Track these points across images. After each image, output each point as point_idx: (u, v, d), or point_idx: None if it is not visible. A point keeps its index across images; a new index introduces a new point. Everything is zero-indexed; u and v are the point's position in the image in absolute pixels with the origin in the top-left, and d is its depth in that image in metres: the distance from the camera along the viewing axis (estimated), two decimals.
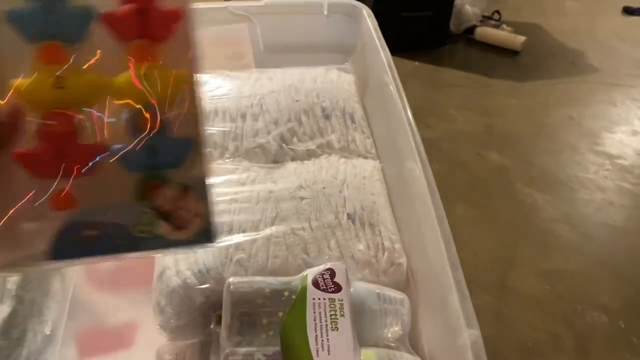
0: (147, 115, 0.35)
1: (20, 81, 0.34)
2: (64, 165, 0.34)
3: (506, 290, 1.23)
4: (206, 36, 0.72)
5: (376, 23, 0.71)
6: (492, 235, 1.36)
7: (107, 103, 0.35)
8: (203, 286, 0.48)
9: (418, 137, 0.56)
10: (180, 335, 0.50)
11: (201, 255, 0.49)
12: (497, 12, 2.06)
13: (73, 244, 0.34)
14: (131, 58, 0.36)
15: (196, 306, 0.48)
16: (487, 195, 1.47)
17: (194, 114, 0.36)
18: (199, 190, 0.36)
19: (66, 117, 0.35)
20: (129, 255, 0.36)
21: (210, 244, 0.37)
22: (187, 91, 0.37)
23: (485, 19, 2.04)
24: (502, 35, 1.98)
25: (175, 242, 0.36)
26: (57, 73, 0.34)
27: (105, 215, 0.36)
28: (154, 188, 0.36)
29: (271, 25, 0.75)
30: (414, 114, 1.73)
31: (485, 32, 1.99)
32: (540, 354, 1.12)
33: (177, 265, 0.49)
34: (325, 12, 0.75)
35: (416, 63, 1.91)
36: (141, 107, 0.35)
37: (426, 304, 0.50)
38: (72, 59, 0.35)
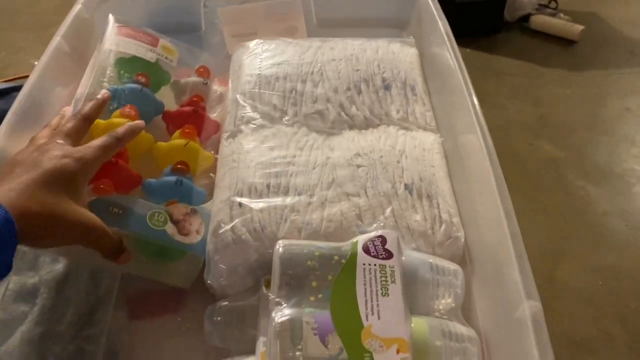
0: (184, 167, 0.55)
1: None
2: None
3: (556, 284, 1.19)
4: (259, 10, 0.73)
5: None
6: (543, 227, 1.32)
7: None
8: (257, 243, 0.48)
9: (479, 110, 0.54)
10: (230, 297, 0.50)
11: (257, 214, 0.49)
12: (554, 0, 1.99)
13: (102, 213, 0.47)
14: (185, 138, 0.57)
15: (249, 264, 0.48)
16: (538, 186, 1.42)
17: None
18: (204, 217, 0.51)
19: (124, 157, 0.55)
20: (137, 233, 0.49)
21: (198, 254, 0.50)
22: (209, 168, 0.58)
23: (542, 7, 1.98)
24: (558, 23, 1.91)
25: (174, 241, 0.49)
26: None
27: (132, 201, 0.50)
28: (173, 202, 0.52)
29: None
30: None
31: (541, 21, 1.92)
32: (590, 350, 1.08)
33: (232, 221, 0.49)
34: None
35: (468, 50, 1.86)
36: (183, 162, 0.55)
37: (482, 277, 0.49)
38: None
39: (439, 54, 0.62)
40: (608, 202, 1.38)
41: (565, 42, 1.90)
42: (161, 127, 0.61)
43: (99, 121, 0.54)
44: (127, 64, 0.63)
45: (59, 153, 0.45)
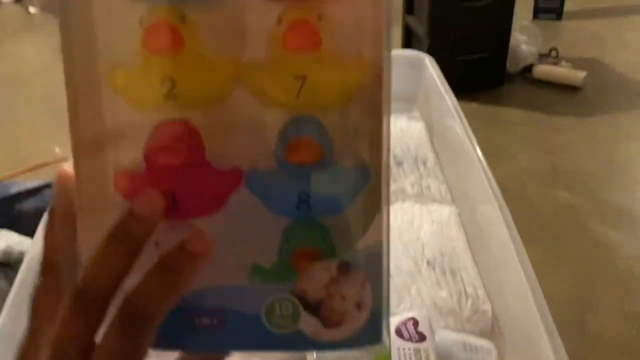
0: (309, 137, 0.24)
1: (117, 73, 0.24)
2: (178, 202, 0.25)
3: (588, 335, 1.17)
4: None
5: (439, 70, 0.73)
6: (567, 276, 1.30)
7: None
8: None
9: (492, 179, 0.56)
10: None
11: None
12: (555, 49, 2.04)
13: (183, 332, 0.25)
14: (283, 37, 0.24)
15: None
16: (558, 235, 1.42)
17: (373, 127, 0.24)
18: (366, 266, 0.25)
19: (182, 129, 0.24)
20: (259, 353, 0.26)
21: (377, 344, 0.26)
22: (367, 90, 0.24)
23: (543, 57, 2.03)
24: (561, 71, 1.96)
25: (324, 343, 0.25)
26: (164, 76, 0.24)
27: (226, 297, 0.25)
28: (301, 258, 0.25)
29: None
30: None
31: (544, 70, 1.97)
32: None
33: None
34: None
35: (475, 105, 1.90)
36: (298, 116, 0.24)
37: (513, 352, 0.49)
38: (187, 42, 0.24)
39: (449, 127, 0.64)
40: (632, 246, 1.36)
41: (569, 89, 1.94)
42: None
43: None
44: None
45: None
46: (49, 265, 0.26)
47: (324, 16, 0.23)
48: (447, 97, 0.67)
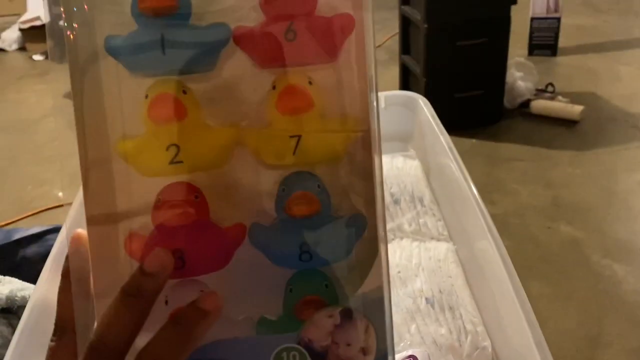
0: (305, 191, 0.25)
1: (125, 143, 0.26)
2: (184, 260, 0.25)
3: None
4: None
5: (432, 110, 0.75)
6: (573, 312, 1.29)
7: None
8: None
9: (487, 215, 0.56)
10: None
11: None
12: (551, 84, 2.08)
13: None
14: (278, 101, 0.26)
15: None
16: (562, 270, 1.41)
17: (366, 178, 0.26)
18: (369, 311, 0.25)
19: (187, 191, 0.25)
20: None
21: None
22: (358, 144, 0.26)
23: (540, 92, 2.06)
24: (558, 106, 1.98)
25: None
26: (169, 144, 0.25)
27: (234, 350, 0.25)
28: (306, 308, 0.25)
29: None
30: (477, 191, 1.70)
31: (541, 105, 2.00)
32: None
33: None
34: (383, 105, 0.79)
35: (474, 141, 1.92)
36: (298, 171, 0.26)
37: None
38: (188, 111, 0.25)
39: (444, 165, 0.65)
40: (636, 279, 1.35)
41: (567, 123, 1.96)
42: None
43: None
44: None
45: None
46: (62, 325, 0.27)
47: (313, 81, 0.26)
48: (441, 136, 0.68)
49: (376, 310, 0.26)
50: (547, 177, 1.74)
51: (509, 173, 1.77)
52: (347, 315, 0.25)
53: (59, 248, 0.57)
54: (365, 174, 0.26)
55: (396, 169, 0.69)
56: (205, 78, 0.26)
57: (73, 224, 0.60)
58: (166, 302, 0.25)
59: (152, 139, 0.26)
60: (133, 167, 0.26)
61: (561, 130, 1.94)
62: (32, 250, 0.87)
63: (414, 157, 0.73)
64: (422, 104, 0.77)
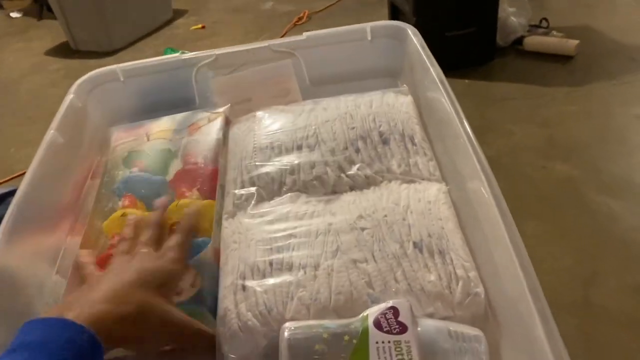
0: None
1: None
2: None
3: (592, 310, 1.14)
4: (251, 77, 0.73)
5: (422, 41, 0.69)
6: (569, 250, 1.27)
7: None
8: (265, 328, 0.45)
9: (481, 154, 0.52)
10: None
11: (261, 296, 0.47)
12: (545, 19, 1.99)
13: None
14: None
15: (259, 350, 0.46)
16: (557, 209, 1.38)
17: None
18: (201, 267, 0.50)
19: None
20: None
21: (201, 307, 0.49)
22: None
23: (533, 28, 1.98)
24: (552, 41, 1.91)
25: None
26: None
27: None
28: None
29: (315, 57, 0.74)
30: None
31: (535, 41, 1.93)
32: None
33: (237, 307, 0.47)
34: (369, 38, 0.73)
35: (467, 81, 1.86)
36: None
37: (507, 338, 0.45)
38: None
39: (435, 100, 0.61)
40: (633, 214, 1.33)
41: (562, 58, 1.90)
42: None
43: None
44: (128, 160, 0.66)
45: (151, 257, 0.48)
46: None
47: None
48: (431, 69, 0.63)
49: (203, 267, 0.52)
50: (541, 116, 1.69)
51: (503, 113, 1.72)
52: (186, 266, 0.51)
53: (14, 209, 0.54)
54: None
55: (386, 106, 0.64)
56: None
57: (32, 179, 0.55)
58: None
59: None
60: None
61: (556, 66, 1.88)
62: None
63: (407, 93, 0.67)
64: (412, 34, 0.71)
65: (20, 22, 3.02)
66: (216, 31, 2.63)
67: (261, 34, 2.42)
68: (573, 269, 1.23)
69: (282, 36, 2.33)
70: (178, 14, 2.86)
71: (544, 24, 2.00)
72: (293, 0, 2.76)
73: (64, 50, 2.58)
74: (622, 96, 1.72)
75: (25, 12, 3.07)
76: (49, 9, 2.62)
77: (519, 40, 1.95)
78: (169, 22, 2.77)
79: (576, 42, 1.88)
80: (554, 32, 1.95)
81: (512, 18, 1.92)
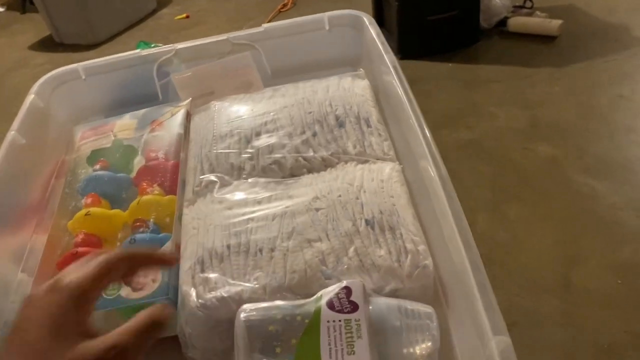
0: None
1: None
2: None
3: (573, 290, 1.15)
4: (213, 71, 0.74)
5: (378, 29, 0.70)
6: (551, 231, 1.28)
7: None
8: (224, 309, 0.47)
9: (428, 135, 0.54)
10: None
11: (219, 279, 0.48)
12: None
13: None
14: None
15: (220, 330, 0.47)
16: (540, 191, 1.40)
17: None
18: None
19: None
20: (97, 309, 0.47)
21: (163, 298, 0.50)
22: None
23: (517, 9, 1.98)
24: (536, 22, 1.91)
25: (129, 300, 0.50)
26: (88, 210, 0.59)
27: None
28: None
29: (275, 49, 0.75)
30: (453, 117, 1.71)
31: (519, 22, 1.93)
32: (619, 356, 1.03)
33: (196, 289, 0.48)
34: (327, 27, 0.74)
35: (450, 65, 1.87)
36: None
37: (455, 313, 0.47)
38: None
39: (389, 84, 0.62)
40: (615, 194, 1.34)
41: (546, 39, 1.90)
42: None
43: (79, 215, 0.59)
44: (92, 159, 0.66)
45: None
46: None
47: None
48: (385, 55, 0.64)
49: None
50: (525, 97, 1.69)
51: (486, 96, 1.73)
52: None
53: None
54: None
55: (342, 90, 0.65)
56: None
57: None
58: None
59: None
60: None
61: (540, 47, 1.88)
62: None
63: (363, 77, 0.68)
64: (368, 22, 0.72)
65: (3, 17, 3.02)
66: (200, 20, 2.64)
67: (246, 22, 2.42)
68: (555, 250, 1.24)
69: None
70: (162, 3, 2.86)
71: (528, 4, 2.00)
72: None
73: (48, 44, 2.58)
74: (605, 76, 1.73)
75: (9, 6, 3.06)
76: (32, 2, 2.61)
77: (503, 22, 1.95)
78: (153, 13, 2.76)
79: (560, 22, 1.88)
80: (538, 13, 1.95)
81: (496, 0, 1.92)
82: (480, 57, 1.89)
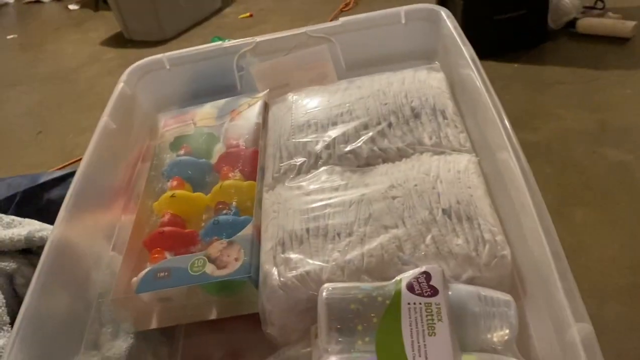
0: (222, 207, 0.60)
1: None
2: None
3: None
4: (290, 61, 0.76)
5: (456, 22, 0.70)
6: (619, 238, 1.24)
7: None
8: (304, 287, 0.49)
9: (508, 126, 0.54)
10: (286, 347, 0.51)
11: (299, 259, 0.50)
12: (600, 0, 1.93)
13: (151, 282, 0.53)
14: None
15: (300, 309, 0.49)
16: (607, 195, 1.35)
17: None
18: (243, 243, 0.55)
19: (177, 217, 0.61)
20: (184, 285, 0.52)
21: (246, 277, 0.52)
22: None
23: (588, 9, 1.92)
24: (608, 23, 1.84)
25: (214, 277, 0.52)
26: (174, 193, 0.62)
27: (174, 260, 0.55)
28: (213, 241, 0.56)
29: (351, 42, 0.76)
30: (518, 118, 1.67)
31: (589, 23, 1.86)
32: None
33: (278, 269, 0.51)
34: (403, 21, 0.75)
35: (516, 65, 1.83)
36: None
37: (534, 301, 0.47)
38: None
39: (467, 76, 0.62)
40: None
41: (618, 41, 1.83)
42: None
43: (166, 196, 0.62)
44: (176, 145, 0.70)
45: None
46: None
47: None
48: (463, 48, 0.64)
49: (245, 242, 0.55)
50: (593, 100, 1.64)
51: (553, 97, 1.68)
52: (230, 243, 0.55)
53: (74, 189, 0.59)
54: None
55: (418, 82, 0.66)
56: None
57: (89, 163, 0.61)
58: None
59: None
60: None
61: (611, 48, 1.81)
62: (56, 192, 0.90)
63: (438, 70, 0.69)
64: (445, 16, 0.72)
65: (77, 14, 3.17)
66: (264, 19, 2.69)
67: (308, 21, 2.45)
68: (623, 257, 1.20)
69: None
70: (226, 2, 2.93)
71: (599, 4, 1.93)
72: None
73: (118, 40, 2.70)
74: None
75: (83, 4, 3.22)
76: (105, 1, 2.74)
77: (572, 23, 1.89)
78: (217, 12, 2.84)
79: (634, 23, 1.81)
80: (610, 13, 1.88)
81: (565, 0, 1.87)
82: (547, 58, 1.85)
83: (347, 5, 2.57)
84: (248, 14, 2.73)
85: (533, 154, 1.47)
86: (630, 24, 1.80)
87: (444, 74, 0.68)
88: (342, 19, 0.76)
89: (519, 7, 1.79)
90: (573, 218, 1.31)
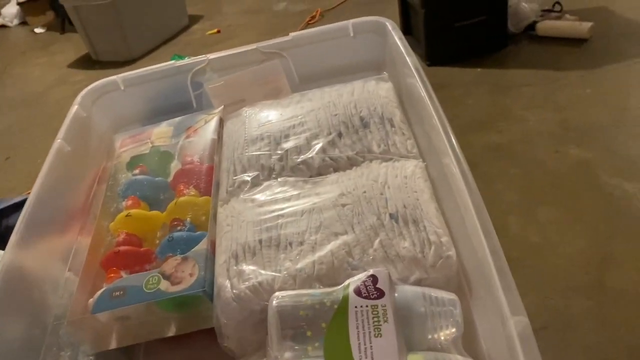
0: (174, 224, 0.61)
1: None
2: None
3: (607, 292, 1.14)
4: (244, 79, 0.77)
5: (400, 33, 0.72)
6: (583, 234, 1.27)
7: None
8: (257, 298, 0.50)
9: (450, 132, 0.56)
10: (245, 358, 0.51)
11: (252, 271, 0.51)
12: (558, 2, 1.98)
13: (107, 301, 0.53)
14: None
15: (254, 320, 0.50)
16: (571, 193, 1.38)
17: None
18: (198, 258, 0.55)
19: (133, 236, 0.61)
20: (139, 302, 0.52)
21: (199, 291, 0.52)
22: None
23: (546, 13, 1.97)
24: (566, 25, 1.90)
25: (168, 293, 0.52)
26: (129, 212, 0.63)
27: (130, 279, 0.55)
28: (168, 258, 0.56)
29: (302, 56, 0.78)
30: (483, 121, 1.71)
31: (548, 26, 1.92)
32: None
33: (231, 281, 0.51)
34: (352, 34, 0.77)
35: (479, 70, 1.87)
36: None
37: (479, 299, 0.49)
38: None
39: (412, 86, 0.64)
40: None
41: (576, 42, 1.89)
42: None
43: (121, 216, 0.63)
44: (132, 164, 0.71)
45: None
46: None
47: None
48: (407, 58, 0.66)
49: (200, 257, 0.55)
50: (555, 100, 1.69)
51: (516, 100, 1.72)
52: (184, 259, 0.55)
53: (26, 213, 0.59)
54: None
55: (367, 92, 0.68)
56: None
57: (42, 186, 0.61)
58: None
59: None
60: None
61: (570, 50, 1.87)
62: (15, 218, 0.90)
63: (387, 80, 0.71)
64: (391, 28, 0.74)
65: (44, 37, 3.16)
66: (231, 34, 2.71)
67: (275, 35, 2.47)
68: (587, 252, 1.23)
69: None
70: (194, 19, 2.94)
71: (557, 7, 1.99)
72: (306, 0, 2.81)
73: (85, 62, 2.70)
74: (637, 78, 1.70)
75: (49, 27, 3.20)
76: (71, 23, 2.73)
77: (532, 26, 1.94)
78: (185, 29, 2.85)
79: (590, 24, 1.86)
80: (567, 16, 1.94)
81: (524, 4, 1.92)
82: (509, 61, 1.89)
83: (312, 18, 2.60)
84: (216, 30, 2.75)
85: (498, 155, 1.50)
86: (587, 25, 1.86)
87: (392, 83, 0.70)
88: (292, 34, 0.78)
89: (479, 13, 1.84)
90: (539, 217, 1.34)
